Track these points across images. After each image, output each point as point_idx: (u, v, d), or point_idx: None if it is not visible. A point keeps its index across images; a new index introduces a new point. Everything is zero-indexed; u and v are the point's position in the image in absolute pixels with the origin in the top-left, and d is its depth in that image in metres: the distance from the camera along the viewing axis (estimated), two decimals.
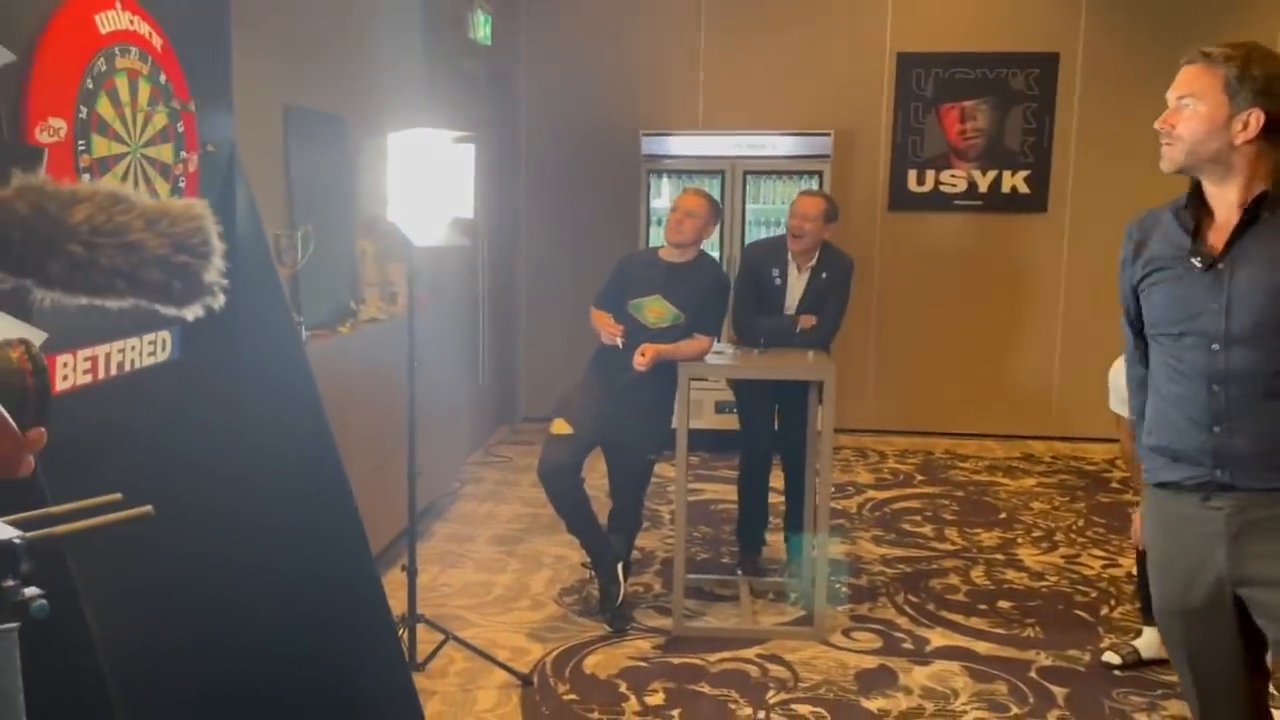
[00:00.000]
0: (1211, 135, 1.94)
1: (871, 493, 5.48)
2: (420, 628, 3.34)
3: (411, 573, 3.30)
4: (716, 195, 6.13)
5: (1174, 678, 3.39)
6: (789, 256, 4.03)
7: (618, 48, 6.55)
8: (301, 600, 2.71)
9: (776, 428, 4.32)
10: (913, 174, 6.57)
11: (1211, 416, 1.98)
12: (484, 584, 4.15)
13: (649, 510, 5.11)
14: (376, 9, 4.52)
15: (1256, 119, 1.92)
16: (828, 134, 6.11)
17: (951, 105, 6.51)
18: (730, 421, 6.11)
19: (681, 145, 6.17)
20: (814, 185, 6.05)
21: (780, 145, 6.11)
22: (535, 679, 3.34)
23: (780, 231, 4.32)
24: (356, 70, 4.14)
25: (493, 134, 6.34)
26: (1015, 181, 6.52)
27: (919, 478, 5.77)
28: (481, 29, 5.85)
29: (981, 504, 5.30)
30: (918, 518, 5.08)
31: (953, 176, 6.56)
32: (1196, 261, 2.00)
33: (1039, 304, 6.59)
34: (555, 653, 3.55)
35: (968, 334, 6.65)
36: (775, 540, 4.51)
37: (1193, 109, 1.96)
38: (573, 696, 3.26)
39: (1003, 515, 5.13)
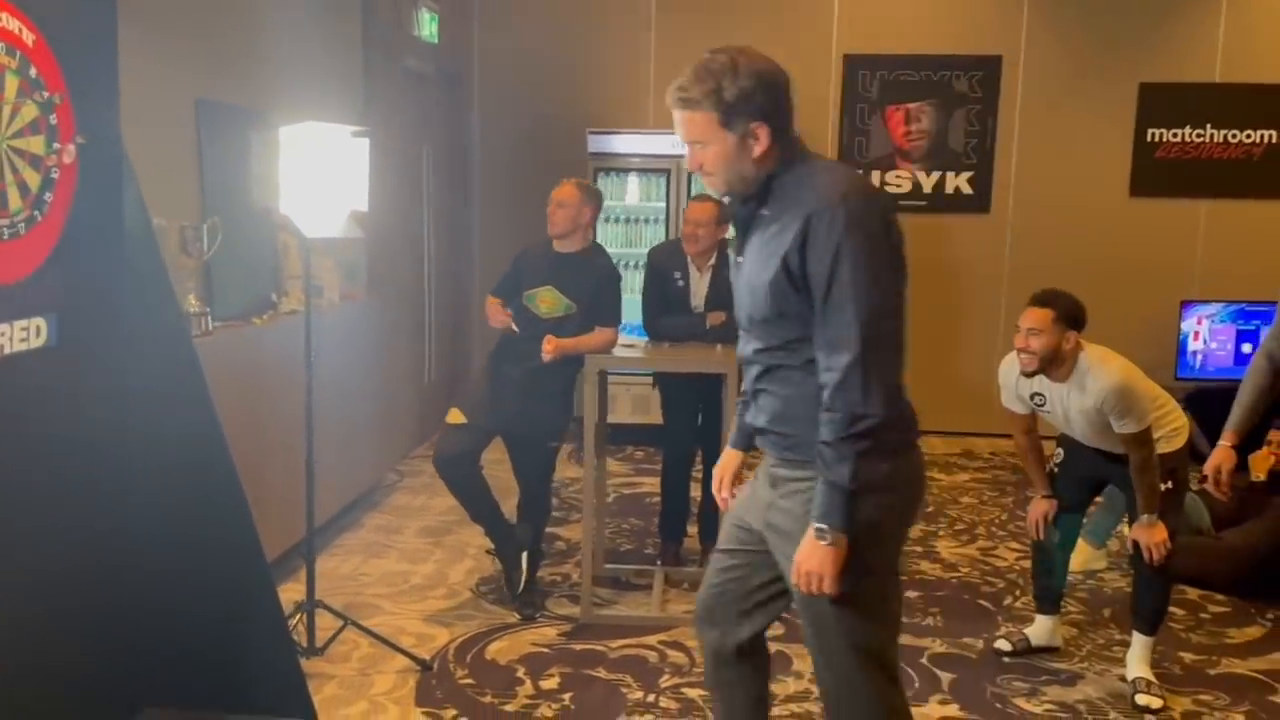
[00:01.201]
0: (734, 163, 2.02)
1: None
2: (324, 615, 3.41)
3: (309, 558, 3.37)
4: (663, 194, 6.24)
5: (1061, 665, 3.50)
6: (689, 259, 4.12)
7: (569, 47, 6.64)
8: (184, 585, 2.80)
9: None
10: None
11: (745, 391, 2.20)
12: (403, 573, 4.23)
13: (575, 500, 5.19)
14: (310, 5, 4.60)
15: (763, 133, 1.99)
16: None
17: (896, 107, 6.59)
18: None
19: (627, 144, 6.24)
20: None
21: None
22: (435, 664, 3.42)
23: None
24: (282, 66, 4.21)
25: (445, 131, 6.43)
26: (959, 182, 6.61)
27: None
28: (426, 27, 5.93)
29: None
30: None
31: (898, 177, 6.64)
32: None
33: (982, 303, 6.68)
34: (460, 639, 3.63)
35: (912, 332, 6.69)
36: (692, 531, 4.58)
37: (704, 149, 2.03)
38: (469, 681, 3.34)
39: (930, 509, 5.20)
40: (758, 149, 2.01)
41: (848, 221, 1.92)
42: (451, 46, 6.43)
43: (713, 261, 4.11)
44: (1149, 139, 6.43)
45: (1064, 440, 3.53)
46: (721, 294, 4.09)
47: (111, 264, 2.58)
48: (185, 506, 2.76)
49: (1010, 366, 3.41)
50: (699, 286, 4.12)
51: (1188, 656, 3.58)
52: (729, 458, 2.43)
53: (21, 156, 2.30)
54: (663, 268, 4.16)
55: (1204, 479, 3.15)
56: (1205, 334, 6.11)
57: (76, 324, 2.52)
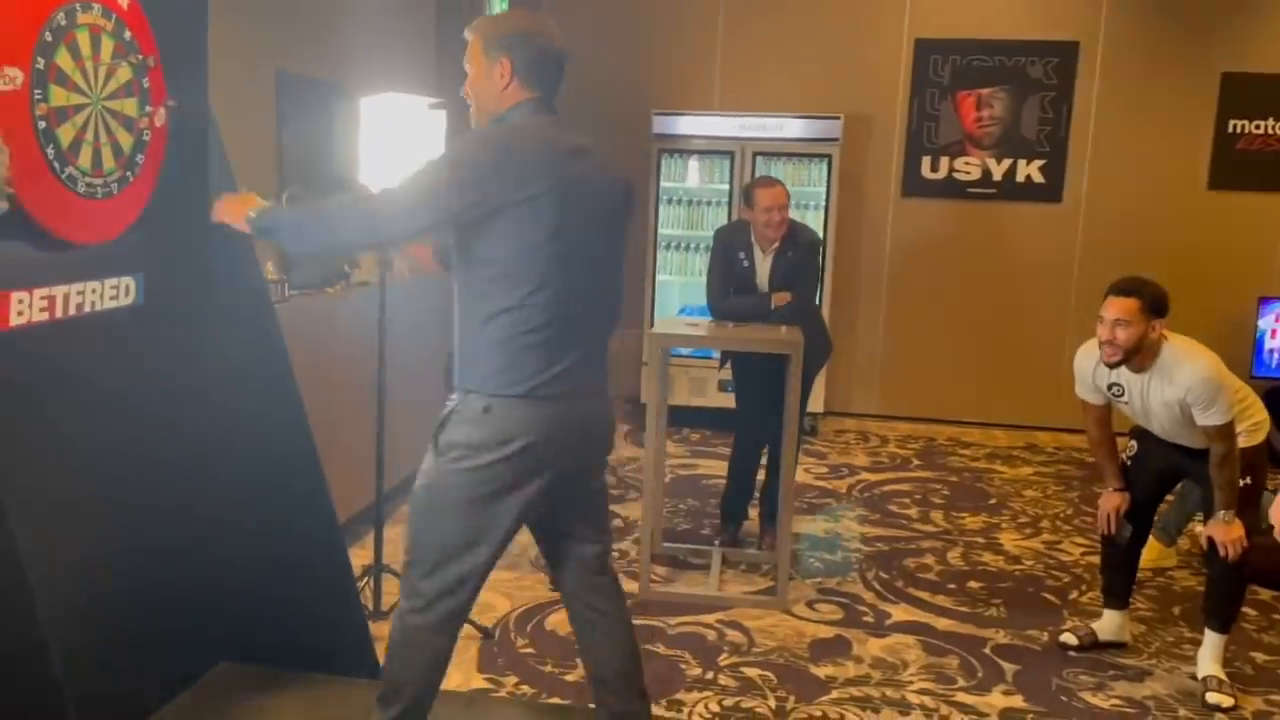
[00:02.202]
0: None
1: (864, 475, 5.51)
2: (390, 579, 3.46)
3: (378, 523, 3.43)
4: (726, 176, 6.21)
5: (1129, 661, 3.43)
6: (752, 239, 4.09)
7: (636, 27, 6.62)
8: (259, 546, 2.85)
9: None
10: (927, 160, 6.56)
11: None
12: None
13: (639, 481, 5.21)
14: None
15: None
16: (837, 118, 6.13)
17: (968, 93, 6.48)
18: (732, 400, 6.20)
19: (692, 125, 6.22)
20: (822, 168, 6.08)
21: (790, 128, 6.14)
22: (496, 632, 3.45)
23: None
24: (357, 38, 4.26)
25: None
26: (1030, 170, 6.48)
27: (916, 463, 5.79)
28: (499, 3, 5.95)
29: (973, 490, 5.31)
30: (906, 500, 5.11)
31: (967, 164, 6.53)
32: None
33: (1050, 294, 6.55)
34: (520, 609, 3.66)
35: (978, 322, 6.63)
36: (752, 514, 4.57)
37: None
38: (530, 650, 3.37)
39: (993, 501, 5.14)
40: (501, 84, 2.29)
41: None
42: None
43: (777, 243, 4.08)
44: (1230, 130, 6.25)
45: (1138, 433, 3.45)
46: (786, 275, 4.07)
47: (198, 228, 2.63)
48: (262, 469, 2.81)
49: (1087, 356, 3.34)
50: (763, 267, 4.10)
51: (1260, 657, 3.50)
52: None
53: (115, 118, 2.35)
54: (729, 248, 4.14)
55: None
56: None
57: (162, 284, 2.58)
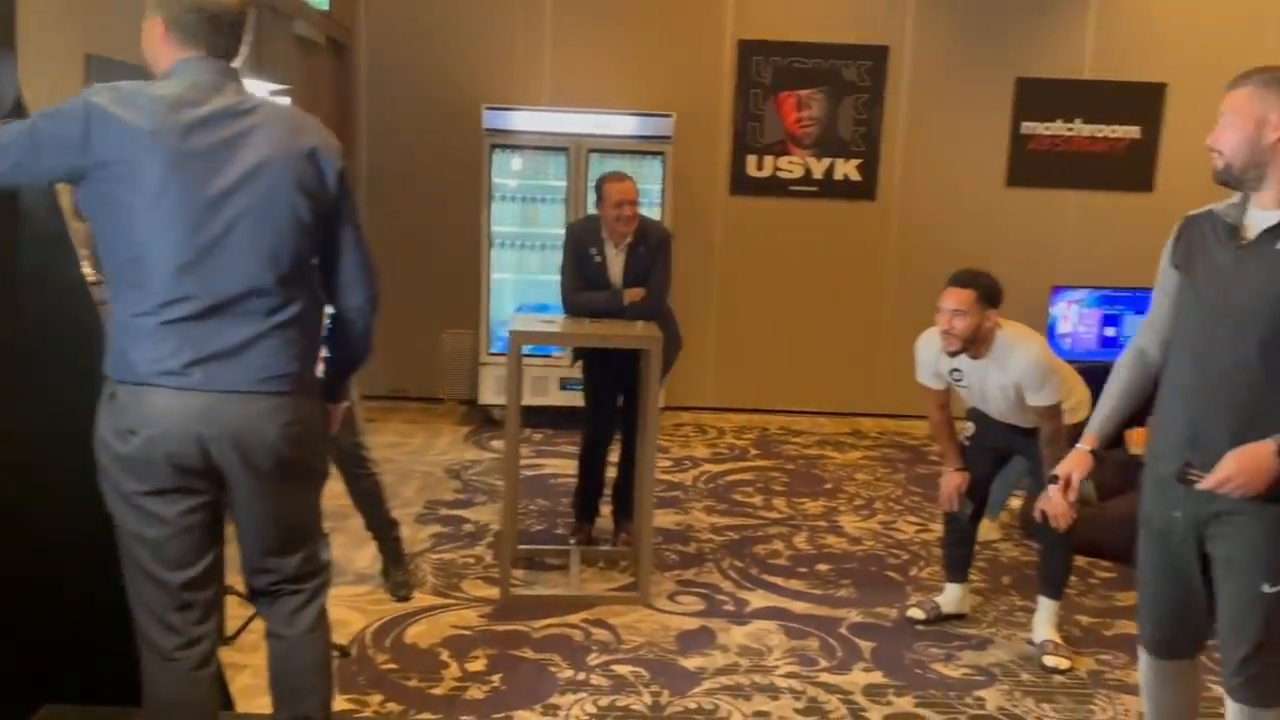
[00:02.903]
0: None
1: (707, 466, 5.61)
2: (233, 601, 3.23)
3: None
4: (561, 172, 6.18)
5: (971, 631, 3.64)
6: (604, 235, 4.08)
7: (463, 18, 6.48)
8: (80, 580, 2.59)
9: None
10: (752, 159, 6.74)
11: None
12: None
13: (485, 484, 5.11)
14: None
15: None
16: (670, 116, 6.21)
17: (789, 93, 6.70)
18: (575, 398, 6.17)
19: (524, 121, 6.14)
20: (655, 166, 6.14)
21: (623, 125, 6.16)
22: (353, 650, 3.29)
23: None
24: None
25: (335, 103, 6.18)
26: (848, 169, 6.77)
27: (754, 452, 5.94)
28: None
29: (810, 476, 5.51)
30: (749, 489, 5.23)
31: (790, 163, 6.76)
32: None
33: (869, 287, 6.87)
34: (376, 624, 3.51)
35: (804, 315, 6.87)
36: (605, 511, 4.56)
37: None
38: (392, 665, 3.23)
39: (828, 486, 5.34)
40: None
41: None
42: (341, 14, 6.18)
43: (630, 238, 4.08)
44: (1024, 131, 6.75)
45: (975, 415, 3.66)
46: (638, 271, 4.08)
47: (7, 222, 2.36)
48: (79, 495, 2.56)
49: (929, 343, 3.52)
50: (615, 263, 4.09)
51: (1084, 619, 3.79)
52: None
53: None
54: (581, 244, 4.11)
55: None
56: (1074, 318, 6.44)
57: None
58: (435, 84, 6.49)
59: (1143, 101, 6.69)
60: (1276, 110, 2.05)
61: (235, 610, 3.24)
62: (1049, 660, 3.38)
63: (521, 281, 6.38)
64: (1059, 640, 3.47)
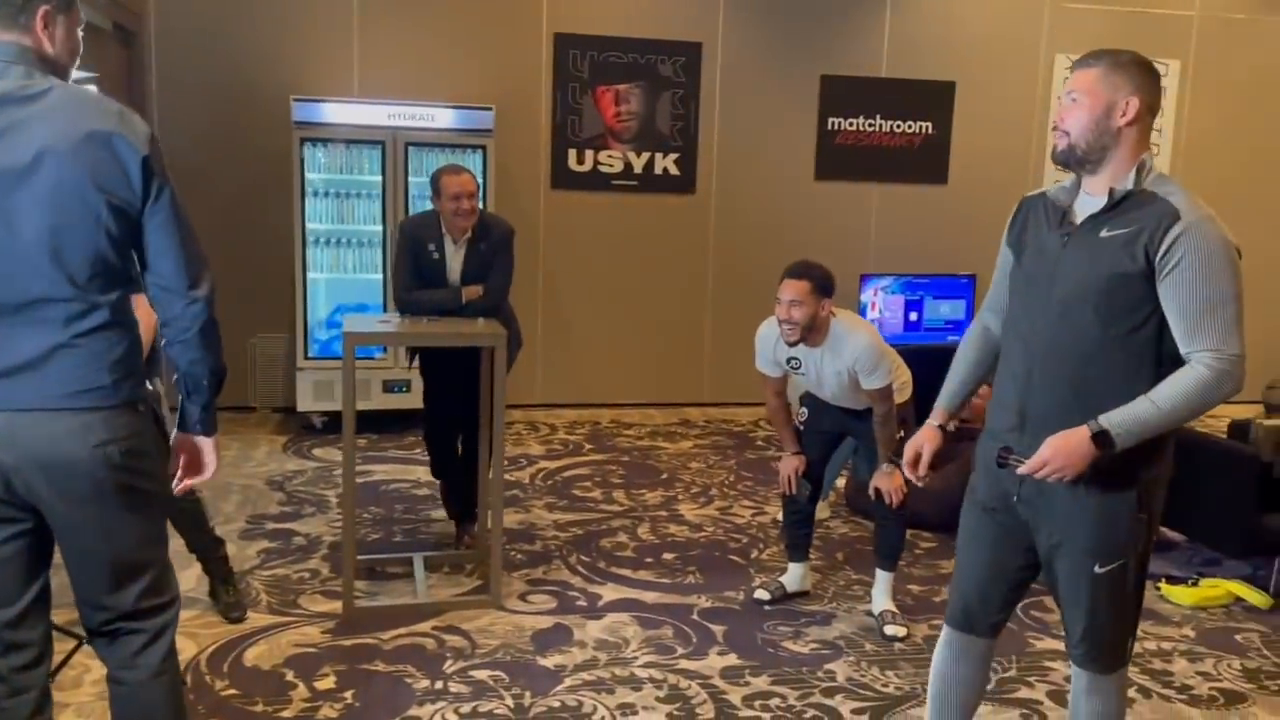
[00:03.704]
0: None
1: (543, 463, 5.57)
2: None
3: None
4: (377, 167, 5.96)
5: (814, 607, 3.78)
6: (443, 230, 3.97)
7: (263, 5, 6.14)
8: None
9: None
10: (573, 153, 6.73)
11: None
12: None
13: (311, 494, 4.87)
14: None
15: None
16: (490, 109, 6.11)
17: (607, 87, 6.73)
18: (399, 400, 5.99)
19: (336, 113, 5.88)
20: (477, 160, 6.03)
21: (442, 118, 6.01)
22: (189, 678, 3.07)
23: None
24: None
25: (123, 93, 5.72)
26: (666, 163, 6.88)
27: (588, 446, 5.95)
28: None
29: (645, 467, 5.56)
30: (588, 483, 5.23)
31: (610, 157, 6.80)
32: None
33: (690, 279, 7.01)
34: (210, 649, 3.28)
35: (628, 308, 6.94)
36: (443, 514, 4.45)
37: None
38: (233, 691, 3.03)
39: (664, 476, 5.41)
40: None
41: None
42: None
43: (469, 234, 3.98)
44: (830, 127, 7.06)
45: (808, 400, 3.79)
46: (479, 268, 3.99)
47: None
48: None
49: (768, 333, 3.61)
50: (455, 259, 3.98)
51: (915, 589, 4.01)
52: None
53: None
54: (417, 240, 3.97)
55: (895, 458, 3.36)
56: (881, 304, 6.80)
57: None
58: (237, 74, 6.13)
59: (935, 98, 7.13)
60: (1126, 94, 2.04)
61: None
62: (889, 629, 3.56)
63: (337, 281, 6.12)
64: (895, 610, 3.65)
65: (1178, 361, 2.03)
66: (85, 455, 1.90)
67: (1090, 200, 2.13)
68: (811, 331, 3.44)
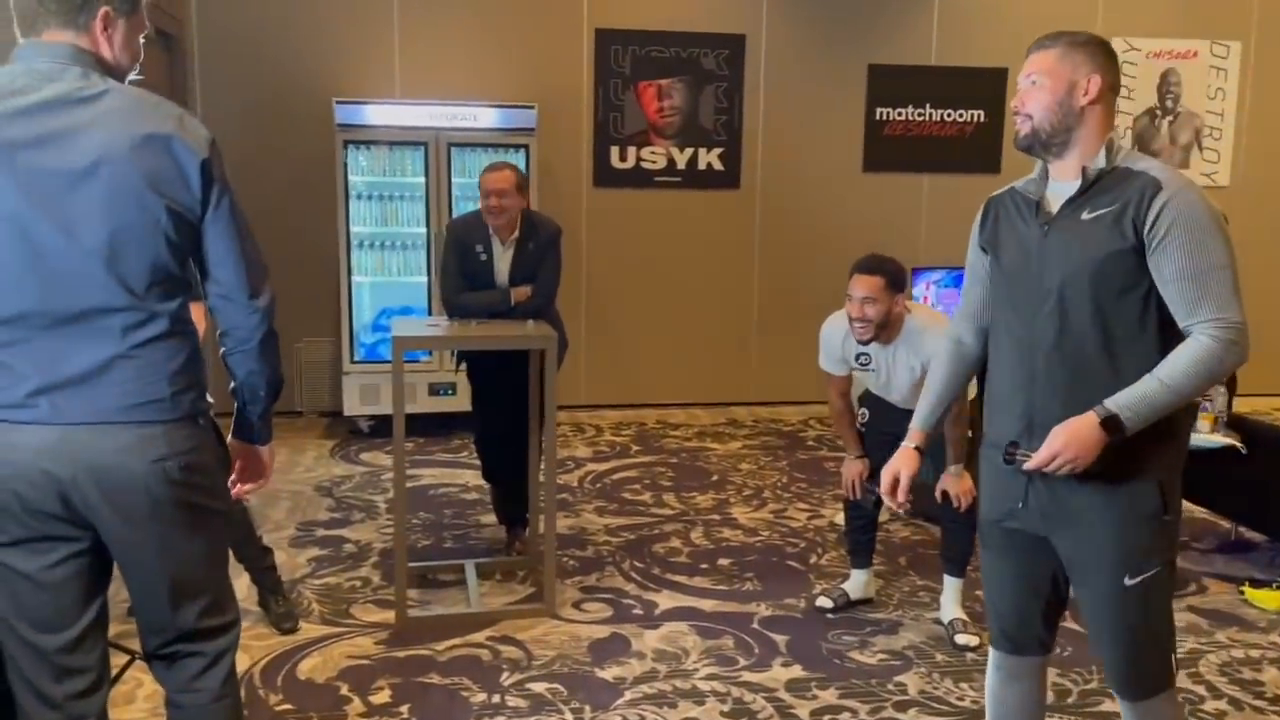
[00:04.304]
0: None
1: (591, 465, 5.48)
2: None
3: None
4: (420, 168, 5.90)
5: (880, 615, 3.65)
6: (490, 231, 3.88)
7: (303, 7, 6.10)
8: None
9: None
10: (615, 150, 6.63)
11: None
12: None
13: (360, 500, 4.82)
14: None
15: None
16: (532, 107, 6.02)
17: (649, 83, 6.62)
18: (446, 404, 5.93)
19: (378, 115, 5.83)
20: (520, 159, 5.95)
21: (484, 117, 5.94)
22: (242, 692, 3.00)
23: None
24: None
25: (163, 95, 5.70)
26: (710, 158, 6.76)
27: (635, 448, 5.85)
28: None
29: (694, 469, 5.45)
30: (637, 486, 5.13)
31: (653, 153, 6.68)
32: None
33: (736, 276, 6.89)
34: (263, 662, 3.22)
35: (672, 307, 6.82)
36: (494, 519, 4.38)
37: None
38: (287, 706, 2.97)
39: (715, 478, 5.30)
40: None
41: None
42: (169, 3, 5.71)
43: (516, 234, 3.89)
44: (878, 117, 6.89)
45: (869, 400, 3.66)
46: (527, 269, 3.90)
47: None
48: None
49: (835, 328, 3.49)
50: (503, 260, 3.90)
51: (981, 594, 3.85)
52: None
53: None
54: (464, 241, 3.89)
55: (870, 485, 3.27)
56: (934, 298, 6.63)
57: None
58: (278, 78, 6.09)
59: (986, 86, 6.94)
60: (1087, 73, 1.99)
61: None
62: (960, 639, 3.42)
63: (382, 284, 6.07)
64: (966, 618, 3.51)
65: (1182, 337, 1.93)
66: (144, 470, 1.83)
67: (1062, 186, 2.04)
68: (884, 328, 3.31)
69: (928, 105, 6.92)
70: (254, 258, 1.96)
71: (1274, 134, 7.21)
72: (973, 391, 3.52)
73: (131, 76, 1.98)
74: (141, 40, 1.97)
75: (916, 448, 2.30)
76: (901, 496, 2.28)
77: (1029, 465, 1.99)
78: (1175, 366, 1.90)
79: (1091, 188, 1.99)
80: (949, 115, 6.96)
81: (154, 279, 1.84)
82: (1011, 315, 2.10)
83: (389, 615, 3.54)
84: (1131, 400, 1.90)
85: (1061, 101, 1.99)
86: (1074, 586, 2.11)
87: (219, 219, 1.90)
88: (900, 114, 6.91)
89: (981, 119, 6.98)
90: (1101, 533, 2.00)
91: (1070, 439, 1.92)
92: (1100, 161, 1.99)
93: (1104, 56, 2.03)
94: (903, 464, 2.29)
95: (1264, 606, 3.72)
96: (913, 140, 6.95)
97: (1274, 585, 3.81)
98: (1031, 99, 2.02)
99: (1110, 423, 1.90)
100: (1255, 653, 3.40)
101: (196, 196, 1.86)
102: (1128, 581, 2.00)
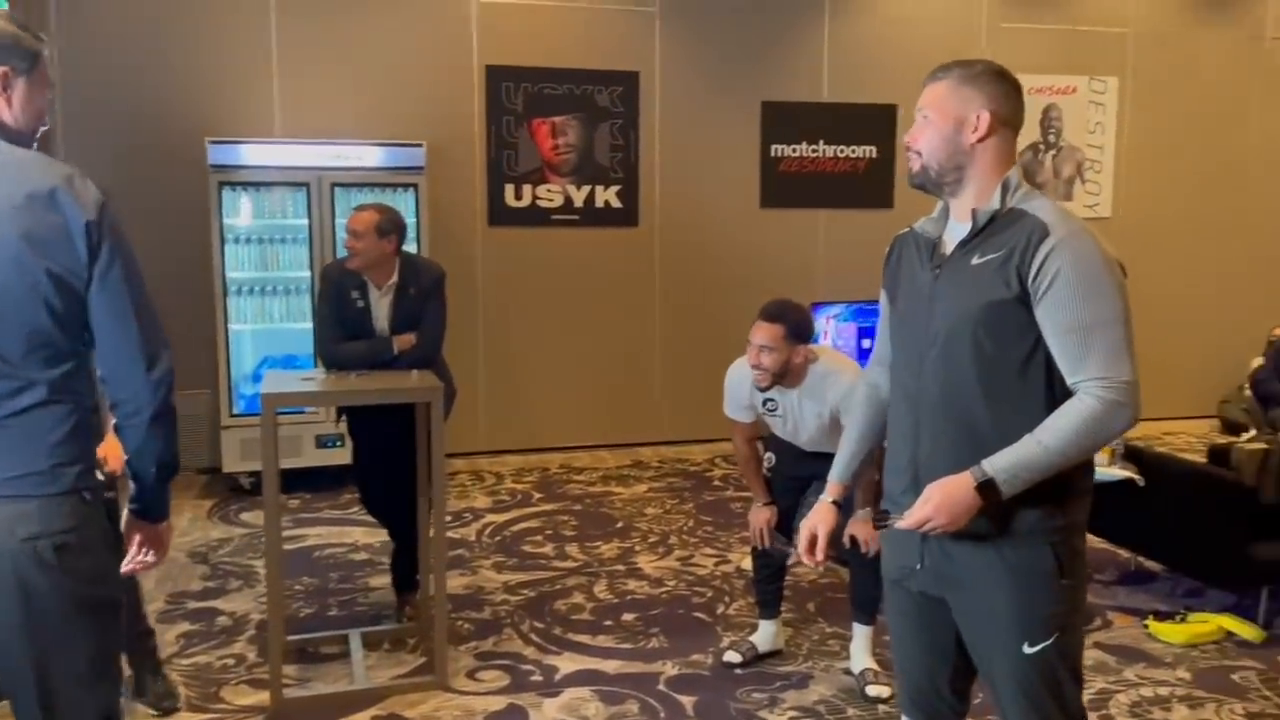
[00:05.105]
0: None
1: (490, 516, 5.24)
2: None
3: None
4: (302, 210, 5.63)
5: (789, 668, 3.50)
6: (366, 277, 3.66)
7: (174, 44, 5.79)
8: None
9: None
10: (510, 188, 6.46)
11: None
12: None
13: (238, 566, 4.49)
14: None
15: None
16: (420, 145, 5.82)
17: (543, 120, 6.49)
18: (334, 456, 5.61)
19: (258, 155, 5.54)
20: (408, 199, 5.73)
21: (369, 156, 5.71)
22: None
23: None
24: None
25: None
26: (608, 196, 6.64)
27: (537, 496, 5.63)
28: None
29: (599, 516, 5.26)
30: (539, 537, 4.92)
31: (549, 191, 6.54)
32: None
33: (637, 314, 6.76)
34: None
35: (573, 347, 6.66)
36: (383, 582, 4.11)
37: None
38: None
39: (619, 524, 5.12)
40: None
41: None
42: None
43: (393, 279, 3.67)
44: (773, 154, 6.88)
45: (775, 444, 3.54)
46: (408, 315, 3.68)
47: None
48: None
49: (740, 374, 3.36)
50: (381, 307, 3.67)
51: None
52: None
53: None
54: (340, 286, 3.65)
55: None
56: (833, 333, 6.61)
57: None
58: (148, 116, 5.76)
59: (877, 122, 7.00)
60: (976, 108, 1.87)
61: None
62: (871, 690, 3.30)
63: (263, 332, 5.76)
64: (877, 667, 3.39)
65: (1071, 393, 1.81)
66: (12, 549, 1.68)
67: (958, 227, 1.92)
68: (784, 376, 3.20)
69: (821, 142, 6.94)
70: (149, 326, 1.81)
71: (1151, 165, 7.44)
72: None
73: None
74: (47, 97, 1.88)
75: (834, 502, 2.15)
76: (820, 555, 2.12)
77: (902, 525, 1.86)
78: (1057, 429, 1.78)
79: (983, 230, 1.87)
80: (842, 151, 6.99)
81: (30, 345, 1.73)
82: (902, 363, 1.99)
83: (264, 696, 3.25)
84: (1009, 464, 1.78)
85: (949, 139, 1.88)
86: (971, 653, 1.97)
87: (108, 285, 1.76)
88: (795, 150, 6.92)
89: (874, 155, 7.03)
90: (995, 596, 1.88)
91: (943, 501, 1.80)
92: (994, 202, 1.87)
93: (998, 88, 1.90)
94: (820, 520, 2.13)
95: (1169, 640, 3.69)
96: (808, 177, 6.96)
97: (1176, 618, 3.80)
98: (921, 135, 1.92)
99: (986, 487, 1.78)
100: (1164, 690, 3.36)
101: (81, 260, 1.74)
102: (1026, 650, 1.87)
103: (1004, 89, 1.91)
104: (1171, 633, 3.71)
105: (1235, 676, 3.46)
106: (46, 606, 1.69)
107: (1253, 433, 4.63)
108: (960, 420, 1.87)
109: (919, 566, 1.95)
